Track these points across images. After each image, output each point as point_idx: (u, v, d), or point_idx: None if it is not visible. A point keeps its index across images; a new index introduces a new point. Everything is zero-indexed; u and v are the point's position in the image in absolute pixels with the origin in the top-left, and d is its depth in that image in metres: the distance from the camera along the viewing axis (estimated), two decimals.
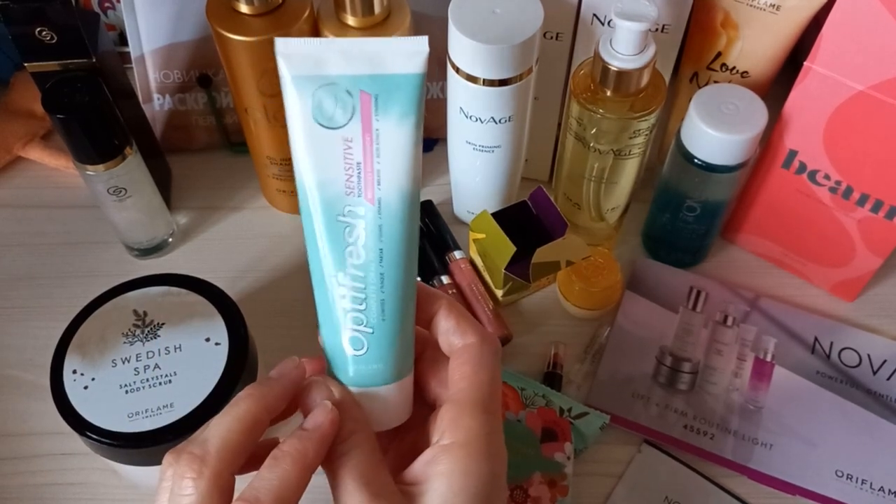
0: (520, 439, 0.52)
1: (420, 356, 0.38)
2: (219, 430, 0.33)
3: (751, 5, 0.56)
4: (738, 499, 0.54)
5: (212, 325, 0.50)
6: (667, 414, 0.57)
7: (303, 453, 0.33)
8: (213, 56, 0.61)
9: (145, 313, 0.50)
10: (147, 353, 0.49)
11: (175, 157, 0.69)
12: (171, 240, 0.65)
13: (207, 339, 0.49)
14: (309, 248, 0.35)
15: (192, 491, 0.32)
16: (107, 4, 0.71)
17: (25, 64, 0.55)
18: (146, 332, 0.49)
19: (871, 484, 0.54)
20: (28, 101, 0.70)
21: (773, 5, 0.55)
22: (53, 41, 0.53)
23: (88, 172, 0.56)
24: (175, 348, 0.49)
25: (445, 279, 0.61)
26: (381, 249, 0.34)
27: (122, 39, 0.72)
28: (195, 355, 0.49)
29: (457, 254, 0.62)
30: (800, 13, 0.55)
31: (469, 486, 0.33)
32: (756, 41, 0.58)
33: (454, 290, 0.60)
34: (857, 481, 0.54)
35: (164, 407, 0.47)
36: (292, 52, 0.33)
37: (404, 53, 0.33)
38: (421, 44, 0.33)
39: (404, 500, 0.33)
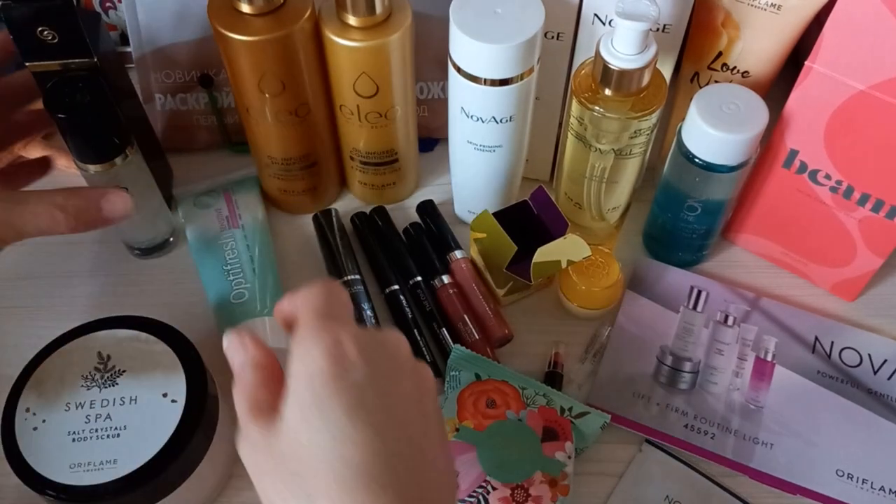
0: (520, 438, 0.52)
1: None
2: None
3: (752, 5, 0.56)
4: (738, 498, 0.54)
5: (172, 379, 0.48)
6: (667, 413, 0.57)
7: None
8: (215, 56, 0.61)
9: (109, 357, 0.49)
10: (102, 401, 0.47)
11: (176, 157, 0.69)
12: (171, 239, 0.65)
13: (165, 395, 0.47)
14: None
15: None
16: (108, 4, 0.71)
17: (27, 63, 0.55)
18: (105, 377, 0.48)
19: (871, 483, 0.54)
20: None
21: (774, 5, 0.55)
22: (55, 41, 0.53)
23: (89, 172, 0.56)
24: (130, 400, 0.48)
25: (446, 279, 0.61)
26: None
27: (124, 39, 0.72)
28: (149, 411, 0.47)
29: (457, 253, 0.62)
30: (801, 13, 0.55)
31: (299, 372, 0.35)
32: (757, 41, 0.58)
33: (455, 290, 0.60)
34: (857, 481, 0.54)
35: (107, 462, 0.46)
36: None
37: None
38: None
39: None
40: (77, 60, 0.54)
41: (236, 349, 0.39)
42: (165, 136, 0.69)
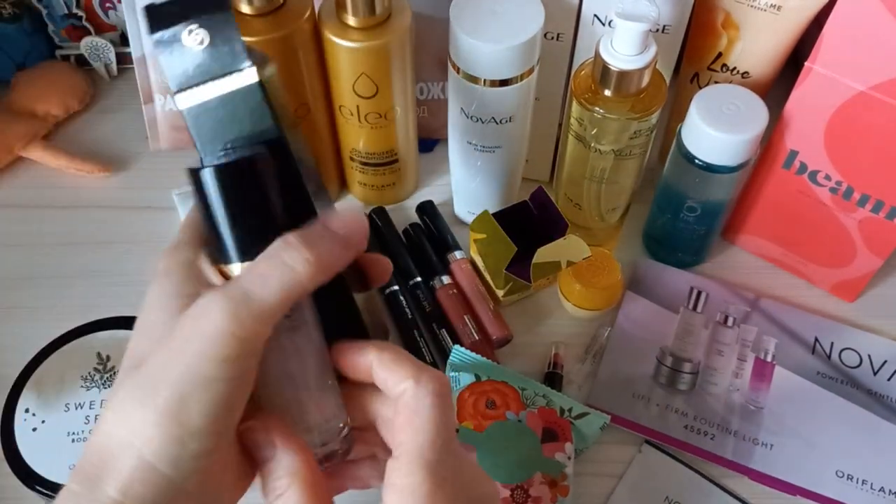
0: (520, 439, 0.52)
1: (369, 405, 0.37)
2: (252, 286, 0.31)
3: (752, 6, 0.56)
4: (738, 499, 0.54)
5: None
6: (667, 414, 0.57)
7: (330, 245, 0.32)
8: None
9: (108, 358, 0.49)
10: (101, 401, 0.48)
11: (176, 157, 0.69)
12: (340, 444, 0.36)
13: None
14: None
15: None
16: (108, 5, 0.71)
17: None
18: (105, 378, 0.48)
19: (871, 484, 0.54)
20: (29, 101, 0.70)
21: (774, 6, 0.55)
22: None
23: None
24: None
25: (446, 279, 0.61)
26: None
27: (123, 40, 0.72)
28: None
29: (457, 254, 0.62)
30: (801, 13, 0.55)
31: None
32: (757, 42, 0.58)
33: (455, 290, 0.60)
34: (857, 481, 0.54)
35: None
36: None
37: None
38: None
39: None
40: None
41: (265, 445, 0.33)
42: (165, 137, 0.69)
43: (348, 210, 0.35)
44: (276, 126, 0.34)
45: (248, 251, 0.32)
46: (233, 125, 0.34)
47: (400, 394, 0.34)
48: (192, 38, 0.33)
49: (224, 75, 0.33)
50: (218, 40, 0.33)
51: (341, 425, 0.36)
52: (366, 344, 0.35)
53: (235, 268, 0.33)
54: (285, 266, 0.31)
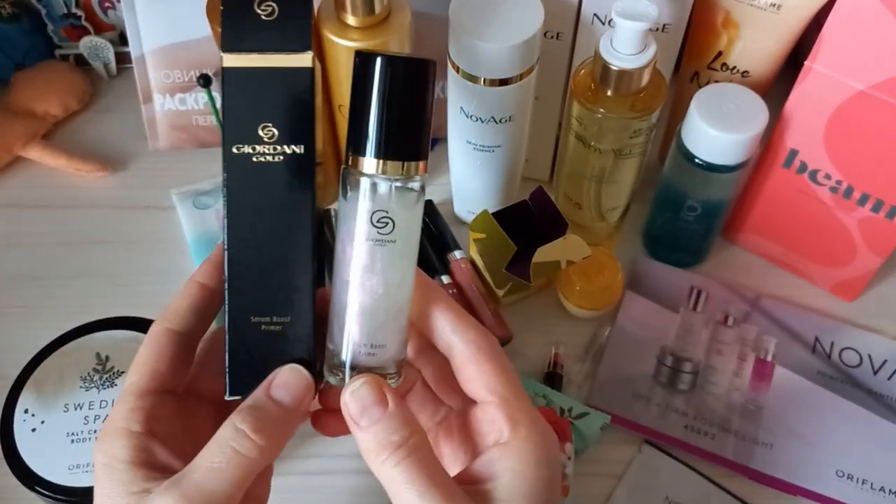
0: None
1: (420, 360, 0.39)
2: (207, 481, 0.32)
3: (751, 5, 0.56)
4: (738, 499, 0.54)
5: None
6: (667, 414, 0.57)
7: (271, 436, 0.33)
8: (213, 56, 0.61)
9: (107, 358, 0.49)
10: (100, 402, 0.48)
11: (176, 157, 0.69)
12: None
13: None
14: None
15: None
16: (107, 4, 0.71)
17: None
18: (104, 378, 0.48)
19: (871, 484, 0.54)
20: (28, 101, 0.70)
21: (774, 5, 0.55)
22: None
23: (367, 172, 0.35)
24: None
25: (446, 279, 0.61)
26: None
27: (122, 39, 0.72)
28: None
29: (457, 254, 0.62)
30: (800, 12, 0.55)
31: (541, 476, 0.34)
32: (757, 41, 0.57)
33: (454, 290, 0.60)
34: (857, 481, 0.54)
35: None
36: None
37: None
38: None
39: (471, 500, 0.33)
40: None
41: (372, 405, 0.33)
42: (164, 137, 0.69)
43: (289, 369, 0.35)
44: (311, 117, 0.35)
45: (386, 152, 0.34)
46: (267, 102, 0.34)
47: (475, 345, 0.36)
48: (263, 7, 0.34)
49: (280, 52, 0.34)
50: (287, 17, 0.34)
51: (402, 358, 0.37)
52: (436, 289, 0.38)
53: (369, 162, 0.34)
54: (237, 454, 0.32)
